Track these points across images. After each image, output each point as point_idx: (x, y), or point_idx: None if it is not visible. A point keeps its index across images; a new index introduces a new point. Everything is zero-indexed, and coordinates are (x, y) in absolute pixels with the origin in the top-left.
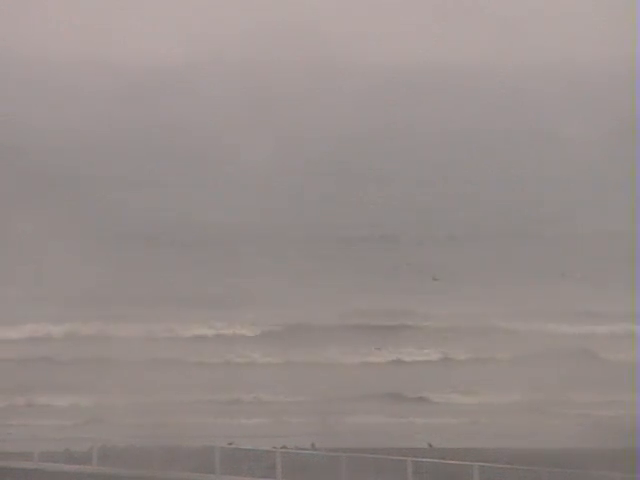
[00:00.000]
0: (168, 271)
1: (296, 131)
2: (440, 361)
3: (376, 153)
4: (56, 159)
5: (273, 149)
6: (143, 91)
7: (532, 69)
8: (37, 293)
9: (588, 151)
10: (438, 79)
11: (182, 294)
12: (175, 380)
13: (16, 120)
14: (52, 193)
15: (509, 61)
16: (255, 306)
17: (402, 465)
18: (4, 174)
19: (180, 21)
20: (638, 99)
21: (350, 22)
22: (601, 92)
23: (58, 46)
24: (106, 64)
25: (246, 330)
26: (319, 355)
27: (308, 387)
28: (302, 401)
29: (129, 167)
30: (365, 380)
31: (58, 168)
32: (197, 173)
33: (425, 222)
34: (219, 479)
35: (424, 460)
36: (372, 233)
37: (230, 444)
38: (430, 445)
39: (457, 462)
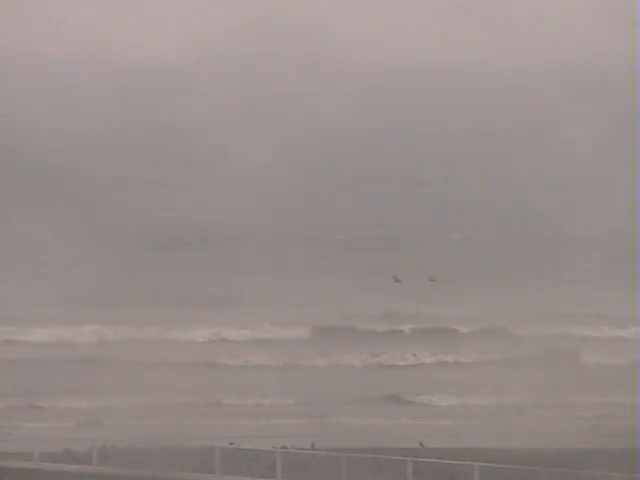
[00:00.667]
0: (168, 271)
1: (296, 131)
2: (440, 363)
3: (376, 153)
4: (56, 159)
5: (273, 149)
6: (143, 91)
7: (532, 69)
8: (37, 293)
9: (588, 151)
10: (438, 79)
11: (182, 294)
12: (175, 381)
13: (16, 120)
14: (52, 193)
15: (509, 61)
16: (255, 306)
17: (402, 465)
18: (4, 174)
19: (180, 21)
20: (638, 98)
21: (350, 22)
22: (601, 92)
23: (58, 46)
24: (106, 64)
25: (246, 331)
26: (319, 356)
27: (308, 389)
28: (302, 403)
29: (129, 167)
30: (364, 382)
31: (58, 168)
32: (197, 173)
33: (425, 222)
34: (219, 479)
35: (424, 460)
36: (372, 233)
37: (230, 444)
38: (421, 444)
39: (457, 462)
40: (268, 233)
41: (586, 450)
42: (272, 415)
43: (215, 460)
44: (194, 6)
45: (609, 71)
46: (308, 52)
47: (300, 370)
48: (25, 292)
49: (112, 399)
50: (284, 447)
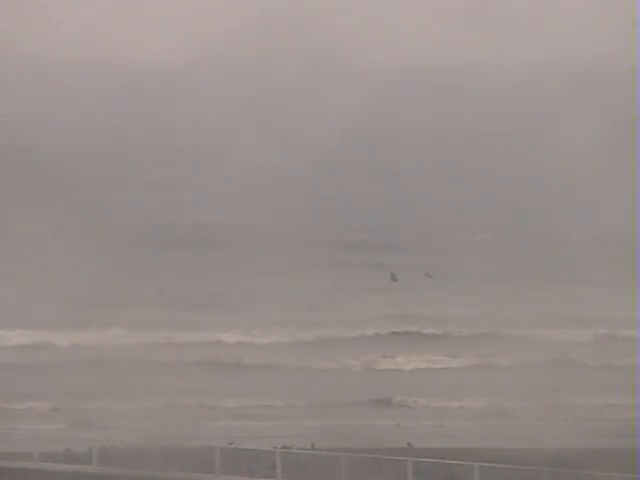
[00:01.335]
0: (168, 272)
1: (296, 131)
2: (440, 365)
3: (376, 153)
4: (56, 159)
5: (273, 149)
6: (143, 91)
7: (532, 69)
8: (36, 294)
9: (588, 151)
10: (438, 79)
11: (182, 295)
12: (175, 382)
13: (16, 120)
14: (52, 193)
15: (509, 61)
16: (255, 307)
17: (402, 465)
18: (4, 174)
19: (180, 21)
20: (638, 98)
21: (351, 23)
22: (601, 92)
23: (58, 46)
24: (106, 64)
25: (246, 332)
26: (319, 358)
27: (307, 391)
28: (301, 405)
29: (129, 167)
30: (363, 385)
31: (58, 168)
32: (197, 173)
33: (425, 223)
34: (219, 479)
35: (424, 460)
36: (372, 234)
37: (230, 444)
38: (409, 444)
39: (457, 462)
40: (268, 233)
41: (586, 450)
42: (272, 417)
43: (215, 460)
44: (194, 6)
45: (609, 71)
46: (308, 52)
47: (300, 371)
48: (24, 292)
49: (112, 400)
50: (284, 447)
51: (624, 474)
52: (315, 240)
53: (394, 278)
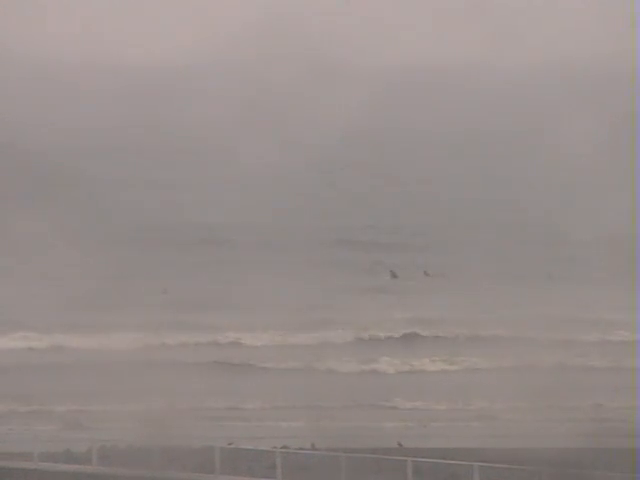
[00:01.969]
0: (167, 272)
1: (296, 131)
2: (438, 368)
3: (375, 153)
4: (56, 159)
5: (273, 149)
6: (143, 91)
7: (532, 69)
8: (36, 294)
9: (588, 151)
10: (438, 79)
11: (181, 295)
12: (174, 384)
13: (16, 120)
14: (52, 193)
15: (509, 61)
16: (254, 308)
17: (402, 465)
18: (4, 174)
19: (180, 21)
20: (638, 98)
21: (350, 23)
22: (601, 92)
23: (58, 46)
24: (106, 64)
25: (245, 332)
26: (318, 359)
27: (306, 392)
28: (300, 406)
29: (130, 167)
30: (363, 385)
31: (58, 168)
32: (197, 173)
33: (425, 223)
34: (219, 479)
35: (424, 460)
36: (372, 233)
37: (230, 444)
38: (400, 444)
39: (457, 462)
40: (268, 233)
41: (586, 450)
42: (272, 417)
43: (215, 460)
44: (194, 6)
45: (609, 71)
46: (308, 52)
47: (299, 372)
48: (24, 292)
49: (113, 401)
50: (284, 447)
51: (624, 474)
52: (315, 240)
53: (394, 275)
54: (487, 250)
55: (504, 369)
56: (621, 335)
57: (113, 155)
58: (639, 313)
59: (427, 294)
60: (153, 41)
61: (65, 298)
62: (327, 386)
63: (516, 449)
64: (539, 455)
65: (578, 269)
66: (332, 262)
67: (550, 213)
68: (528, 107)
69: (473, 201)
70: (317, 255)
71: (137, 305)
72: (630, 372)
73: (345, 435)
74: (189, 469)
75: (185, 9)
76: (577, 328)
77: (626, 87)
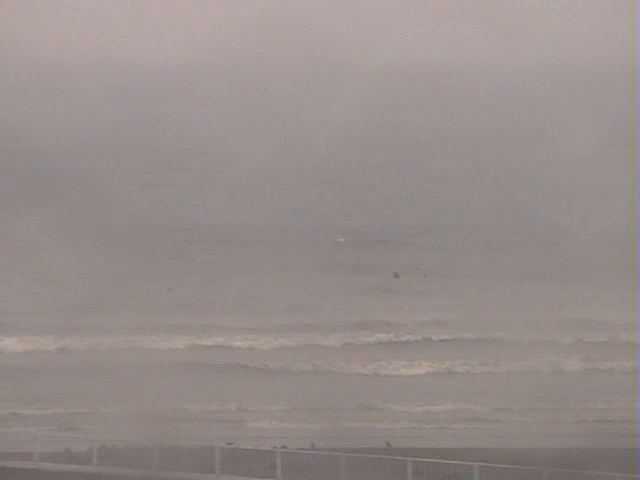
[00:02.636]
0: (167, 272)
1: (296, 131)
2: (438, 369)
3: (375, 153)
4: (56, 159)
5: (273, 150)
6: (143, 91)
7: (532, 69)
8: (36, 295)
9: (588, 151)
10: (438, 79)
11: (181, 296)
12: (174, 384)
13: (16, 120)
14: (52, 193)
15: (509, 61)
16: (254, 308)
17: (402, 465)
18: (4, 174)
19: (180, 21)
20: (638, 99)
21: (350, 23)
22: (601, 92)
23: (59, 46)
24: (106, 64)
25: (246, 333)
26: (319, 359)
27: (306, 393)
28: (300, 407)
29: (129, 167)
30: (361, 387)
31: (58, 168)
32: (198, 173)
33: (425, 223)
34: (219, 479)
35: (424, 460)
36: (372, 233)
37: (230, 444)
38: (388, 444)
39: (457, 462)
40: (268, 234)
41: (586, 450)
42: (271, 420)
43: (215, 460)
44: (194, 6)
45: (609, 71)
46: (308, 52)
47: (299, 373)
48: (23, 293)
49: (114, 402)
50: (284, 447)
51: (624, 474)
52: (315, 240)
53: (397, 275)
54: (488, 251)
55: (504, 370)
56: (624, 337)
57: (113, 155)
58: (639, 313)
59: (427, 294)
60: (153, 41)
61: (65, 299)
62: (328, 387)
63: (516, 449)
64: (539, 455)
65: (578, 269)
66: (332, 262)
67: (550, 213)
68: (528, 107)
69: (473, 201)
70: (317, 255)
71: (137, 305)
72: (631, 373)
73: (345, 435)
74: (189, 469)
75: (185, 9)
76: (578, 329)
77: (626, 87)
